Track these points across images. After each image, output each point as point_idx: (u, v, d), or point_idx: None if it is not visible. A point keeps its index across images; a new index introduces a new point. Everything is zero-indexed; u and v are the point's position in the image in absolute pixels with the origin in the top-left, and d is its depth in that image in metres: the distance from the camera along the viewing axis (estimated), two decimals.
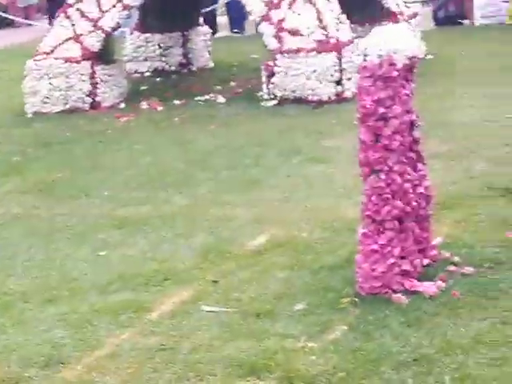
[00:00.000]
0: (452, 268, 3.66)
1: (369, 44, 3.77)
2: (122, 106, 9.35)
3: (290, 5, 9.08)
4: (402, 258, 3.44)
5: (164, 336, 3.19)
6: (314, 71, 8.81)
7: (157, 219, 5.12)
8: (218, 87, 10.33)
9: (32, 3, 19.73)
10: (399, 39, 3.86)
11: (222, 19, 15.73)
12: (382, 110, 3.48)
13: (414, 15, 11.34)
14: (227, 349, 3.01)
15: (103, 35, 9.76)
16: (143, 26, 11.74)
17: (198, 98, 9.75)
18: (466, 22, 14.17)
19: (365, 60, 3.69)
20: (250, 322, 3.27)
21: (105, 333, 3.31)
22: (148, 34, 11.77)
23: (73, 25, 9.95)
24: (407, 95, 3.74)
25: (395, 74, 3.62)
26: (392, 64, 3.62)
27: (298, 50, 8.84)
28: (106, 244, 4.57)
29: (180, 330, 3.28)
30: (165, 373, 2.83)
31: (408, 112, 3.67)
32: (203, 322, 3.27)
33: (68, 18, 10.08)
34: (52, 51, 9.86)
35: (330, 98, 8.62)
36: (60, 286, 3.92)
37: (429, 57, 10.80)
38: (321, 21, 8.94)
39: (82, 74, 9.67)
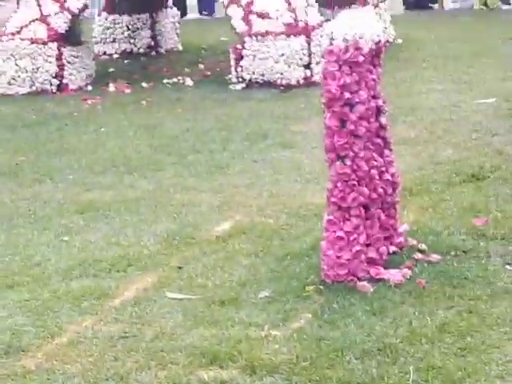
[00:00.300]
0: (418, 256, 3.65)
1: (335, 28, 3.73)
2: (90, 88, 9.26)
3: None
4: (368, 245, 3.42)
5: (126, 323, 3.16)
6: (283, 55, 8.76)
7: (121, 204, 5.09)
8: (187, 70, 10.26)
9: None
10: (366, 24, 3.87)
11: (192, 1, 15.58)
12: (347, 95, 3.44)
13: None
14: (190, 337, 3.00)
15: (70, 16, 9.63)
16: (111, 8, 11.64)
17: (166, 80, 9.72)
18: (435, 6, 14.28)
19: (331, 44, 3.64)
20: (213, 310, 3.26)
21: (66, 320, 3.27)
22: (116, 16, 11.69)
23: (39, 5, 9.79)
24: (374, 80, 3.71)
25: (361, 58, 3.58)
26: (358, 49, 3.58)
27: (266, 33, 8.81)
28: (69, 229, 4.51)
29: (143, 317, 3.26)
30: (126, 361, 2.81)
31: (374, 97, 3.65)
32: (167, 309, 3.27)
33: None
34: (18, 32, 9.73)
35: (298, 81, 8.61)
36: (22, 272, 3.88)
37: (398, 41, 10.86)
38: (289, 4, 8.92)
39: (48, 56, 9.57)
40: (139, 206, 5.05)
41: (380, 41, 3.99)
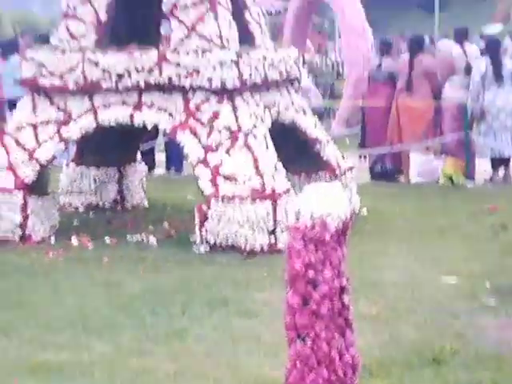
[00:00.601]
0: None
1: (302, 204, 3.70)
2: (53, 240, 9.25)
3: (228, 150, 9.19)
4: None
5: None
6: (248, 219, 8.81)
7: (76, 367, 5.00)
8: (151, 227, 10.29)
9: None
10: (333, 201, 3.77)
11: (161, 156, 15.81)
12: (312, 273, 3.49)
13: (351, 168, 11.53)
14: None
15: (38, 166, 9.77)
16: (79, 159, 11.74)
17: (130, 237, 9.71)
18: (401, 177, 14.42)
19: (297, 220, 3.67)
20: None
21: None
22: (84, 168, 11.79)
23: (8, 154, 9.95)
24: (339, 259, 3.76)
25: (327, 237, 3.59)
26: (325, 227, 3.56)
27: (232, 197, 8.89)
28: None
29: None
30: None
31: (339, 276, 3.72)
32: None
33: (4, 146, 10.11)
34: None
35: (262, 248, 8.62)
36: None
37: (364, 212, 10.95)
38: (257, 168, 9.05)
39: (13, 205, 9.63)
40: (94, 369, 4.96)
41: (347, 218, 4.09)
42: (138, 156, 12.54)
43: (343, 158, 11.77)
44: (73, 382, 4.57)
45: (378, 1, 68.61)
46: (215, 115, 9.43)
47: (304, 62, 20.48)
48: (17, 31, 39.56)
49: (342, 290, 3.50)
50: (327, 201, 3.68)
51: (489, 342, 5.61)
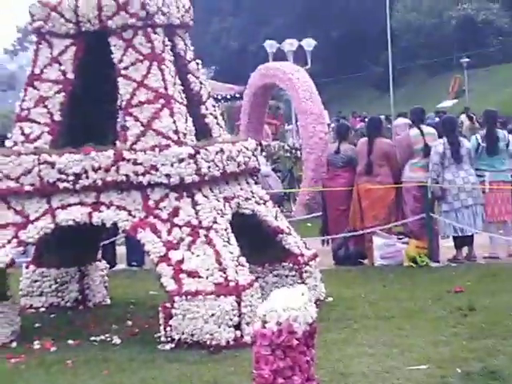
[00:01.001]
0: None
1: (267, 310, 3.87)
2: (14, 345, 9.11)
3: (189, 246, 9.16)
4: None
5: None
6: (213, 315, 8.73)
7: None
8: (115, 326, 10.12)
9: None
10: (298, 305, 3.99)
11: (121, 249, 15.72)
12: (280, 380, 3.53)
13: (315, 256, 11.54)
14: None
15: None
16: (39, 261, 11.70)
17: (94, 337, 9.53)
18: (365, 261, 14.55)
19: (263, 327, 3.77)
20: None
21: None
22: (44, 269, 11.72)
23: None
24: (308, 363, 3.79)
25: (295, 342, 3.71)
26: (292, 332, 3.74)
27: (196, 293, 8.81)
28: None
29: None
30: None
31: (308, 380, 3.75)
32: None
33: None
34: None
35: (228, 342, 8.51)
36: None
37: (329, 299, 10.94)
38: (220, 263, 9.03)
39: None
40: None
41: (314, 321, 4.07)
42: (99, 254, 12.63)
43: (306, 246, 11.80)
44: None
45: (333, 82, 69.79)
46: (175, 211, 9.45)
47: (262, 149, 20.82)
48: None
49: None
50: (292, 305, 3.91)
51: None
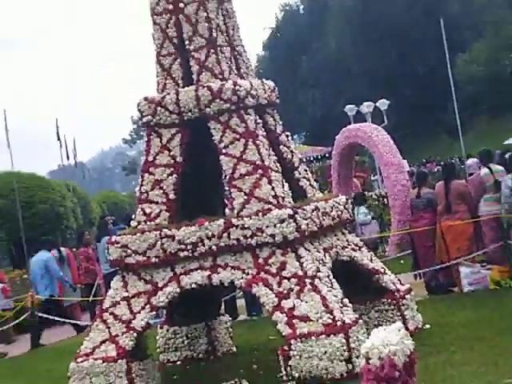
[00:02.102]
0: None
1: (369, 348, 3.83)
2: None
3: (298, 294, 9.12)
4: None
5: None
6: (325, 352, 8.66)
7: None
8: (242, 371, 10.12)
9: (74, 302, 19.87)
10: (396, 340, 3.95)
11: (241, 301, 15.80)
12: None
13: (409, 290, 11.35)
14: None
15: (135, 334, 9.85)
16: (171, 320, 11.92)
17: (225, 382, 9.52)
18: (455, 289, 14.27)
19: (367, 363, 3.73)
20: None
21: None
22: (176, 327, 11.91)
23: (108, 327, 10.10)
24: None
25: (397, 374, 3.64)
26: (393, 365, 3.68)
27: (309, 334, 8.78)
28: None
29: None
30: None
31: None
32: None
33: (104, 322, 10.25)
34: (91, 353, 9.91)
35: (342, 375, 8.41)
36: None
37: (426, 326, 10.72)
38: (327, 306, 8.95)
39: (119, 372, 9.61)
40: None
41: (412, 353, 4.01)
42: (222, 308, 12.77)
43: (400, 281, 11.61)
44: None
45: (408, 133, 69.41)
46: (282, 265, 9.41)
47: (365, 199, 21.99)
48: (104, 210, 41.42)
49: None
50: (391, 341, 3.88)
51: None
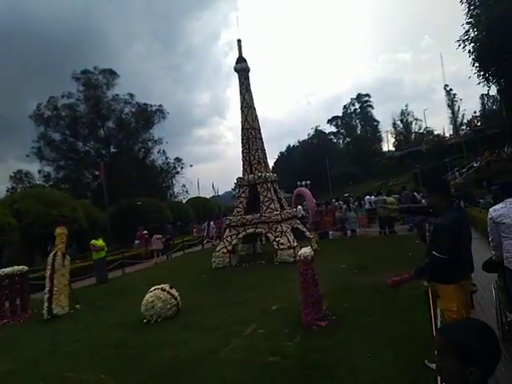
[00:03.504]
0: None
1: (300, 253, 4.32)
2: None
3: (280, 236, 10.64)
4: None
5: None
6: (288, 254, 10.08)
7: None
8: (263, 259, 10.88)
9: None
10: (308, 251, 4.34)
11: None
12: None
13: (312, 237, 12.38)
14: None
15: (232, 245, 11.29)
16: (243, 241, 12.17)
17: (259, 261, 10.46)
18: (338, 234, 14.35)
19: (300, 258, 4.26)
20: None
21: None
22: (244, 244, 12.78)
23: (224, 243, 11.51)
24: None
25: (308, 261, 3.94)
26: (306, 258, 4.06)
27: (282, 249, 10.27)
28: None
29: None
30: None
31: None
32: None
33: (223, 242, 11.69)
34: (219, 250, 11.50)
35: (292, 261, 9.54)
36: None
37: (318, 248, 11.19)
38: (289, 240, 10.49)
39: (226, 257, 11.15)
40: None
41: (312, 256, 4.17)
42: None
43: (309, 233, 12.64)
44: None
45: None
46: (276, 228, 11.15)
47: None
48: (199, 214, 32.96)
49: None
50: (306, 251, 4.32)
51: None
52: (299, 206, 17.87)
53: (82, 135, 40.14)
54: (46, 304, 7.43)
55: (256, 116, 12.28)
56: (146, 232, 16.51)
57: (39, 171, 38.87)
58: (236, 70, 12.07)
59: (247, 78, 12.43)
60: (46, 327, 6.45)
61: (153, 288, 6.47)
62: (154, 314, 6.11)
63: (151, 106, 42.90)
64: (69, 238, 8.11)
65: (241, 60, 12.03)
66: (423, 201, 12.38)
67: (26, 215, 15.81)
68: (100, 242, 11.93)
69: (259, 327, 4.60)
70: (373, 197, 15.61)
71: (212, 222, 21.27)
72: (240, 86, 12.04)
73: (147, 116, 42.29)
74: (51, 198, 17.62)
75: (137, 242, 17.11)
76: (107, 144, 41.39)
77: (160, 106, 43.20)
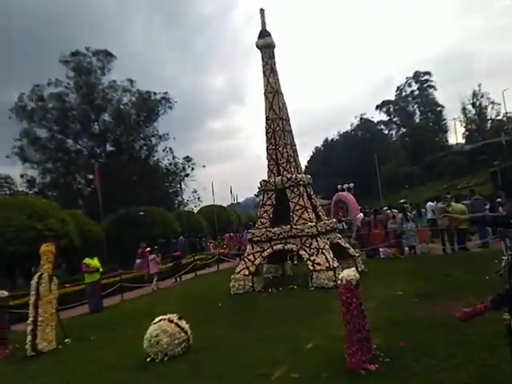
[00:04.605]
0: None
1: (342, 276, 4.50)
2: None
3: (316, 254, 10.91)
4: None
5: None
6: (326, 277, 10.29)
7: None
8: (294, 282, 11.17)
9: None
10: (352, 274, 4.51)
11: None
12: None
13: (359, 255, 12.67)
14: None
15: (255, 266, 11.79)
16: (269, 261, 12.91)
17: (288, 286, 10.73)
18: (377, 256, 14.54)
19: (341, 282, 4.43)
20: None
21: None
22: (271, 264, 13.37)
23: (245, 263, 12.11)
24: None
25: (352, 287, 4.16)
26: (349, 283, 4.25)
27: (320, 270, 10.42)
28: None
29: None
30: None
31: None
32: None
33: (244, 261, 12.22)
34: (239, 272, 11.89)
35: (331, 286, 9.66)
36: None
37: (365, 270, 11.65)
38: (327, 260, 10.59)
39: (248, 280, 11.56)
40: None
41: (358, 280, 4.29)
42: None
43: (355, 251, 12.83)
44: None
45: None
46: (310, 243, 11.06)
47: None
48: (214, 226, 35.77)
49: None
50: (350, 274, 4.55)
51: None
52: (360, 214, 17.65)
53: (73, 131, 40.48)
54: (29, 338, 7.49)
55: (284, 103, 12.59)
56: (149, 249, 16.83)
57: (22, 175, 39.41)
58: (258, 46, 12.20)
59: (272, 57, 12.55)
60: (29, 366, 6.53)
61: (158, 319, 6.47)
62: (159, 352, 6.11)
63: (155, 93, 43.52)
64: (57, 256, 8.26)
65: (264, 34, 12.16)
66: (500, 208, 12.24)
67: (6, 229, 15.94)
68: (94, 262, 12.17)
69: (291, 370, 4.43)
70: (436, 203, 15.36)
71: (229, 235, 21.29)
72: (263, 67, 12.17)
73: (150, 106, 42.64)
74: (36, 207, 17.76)
75: (138, 261, 17.46)
76: (103, 141, 41.91)
77: (165, 93, 43.98)
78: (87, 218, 24.40)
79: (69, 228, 18.72)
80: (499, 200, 13.96)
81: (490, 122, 65.60)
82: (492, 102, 65.28)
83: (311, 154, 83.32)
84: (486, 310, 2.84)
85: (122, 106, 41.75)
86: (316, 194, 13.72)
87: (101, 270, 11.99)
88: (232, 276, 11.83)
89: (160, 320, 6.44)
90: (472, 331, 4.89)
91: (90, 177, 35.87)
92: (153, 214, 26.27)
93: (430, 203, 15.87)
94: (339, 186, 28.35)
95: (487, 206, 14.03)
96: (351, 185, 29.28)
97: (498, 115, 64.18)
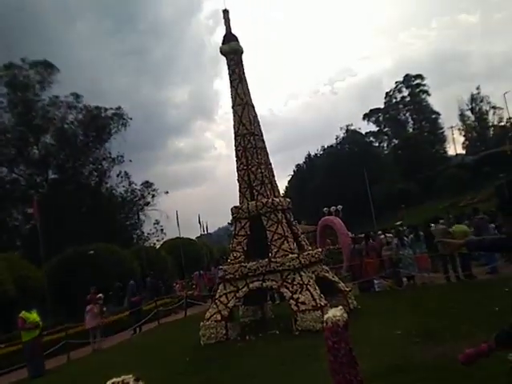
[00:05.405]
0: None
1: (327, 317, 4.37)
2: None
3: (300, 292, 10.78)
4: None
5: None
6: (312, 319, 10.25)
7: None
8: (276, 326, 11.23)
9: None
10: (339, 313, 4.38)
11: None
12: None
13: (350, 290, 12.74)
14: None
15: (229, 309, 11.75)
16: (245, 303, 13.25)
17: (269, 331, 10.76)
18: (371, 290, 14.79)
19: (326, 324, 4.32)
20: None
21: None
22: (248, 306, 13.51)
23: (217, 306, 11.92)
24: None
25: (339, 330, 4.07)
26: (336, 325, 4.10)
27: (305, 310, 10.41)
28: None
29: None
30: None
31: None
32: None
33: (215, 304, 12.06)
34: (209, 318, 11.76)
35: (319, 329, 9.30)
36: None
37: (358, 307, 11.80)
38: (313, 297, 10.57)
39: (222, 327, 11.43)
40: None
41: (347, 319, 4.26)
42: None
43: (345, 286, 12.90)
44: None
45: None
46: (293, 279, 11.08)
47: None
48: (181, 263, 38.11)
49: None
50: (337, 314, 4.33)
51: None
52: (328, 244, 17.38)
53: (7, 158, 39.83)
54: None
55: (255, 116, 12.71)
56: (100, 295, 16.53)
57: None
58: (223, 52, 12.24)
59: (240, 64, 12.58)
60: None
61: (110, 382, 6.30)
62: None
63: (105, 109, 43.43)
64: None
65: (230, 38, 12.31)
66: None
67: None
68: (33, 316, 11.83)
69: None
70: (435, 224, 15.55)
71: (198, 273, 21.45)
72: (230, 76, 12.20)
73: (100, 124, 42.56)
74: None
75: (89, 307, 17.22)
76: (44, 168, 41.32)
77: (118, 108, 43.98)
78: (25, 261, 23.99)
79: (2, 276, 18.51)
80: None
81: (491, 128, 66.58)
82: (493, 107, 66.70)
83: (292, 173, 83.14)
84: (490, 350, 2.84)
85: (66, 126, 41.39)
86: (298, 220, 13.80)
87: (40, 325, 11.83)
88: (201, 323, 11.67)
89: (112, 383, 6.24)
90: (476, 373, 4.87)
91: (29, 211, 34.81)
92: (105, 253, 25.75)
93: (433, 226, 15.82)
94: (325, 209, 28.89)
95: (493, 225, 14.48)
96: (339, 207, 29.73)
97: (500, 121, 65.55)
